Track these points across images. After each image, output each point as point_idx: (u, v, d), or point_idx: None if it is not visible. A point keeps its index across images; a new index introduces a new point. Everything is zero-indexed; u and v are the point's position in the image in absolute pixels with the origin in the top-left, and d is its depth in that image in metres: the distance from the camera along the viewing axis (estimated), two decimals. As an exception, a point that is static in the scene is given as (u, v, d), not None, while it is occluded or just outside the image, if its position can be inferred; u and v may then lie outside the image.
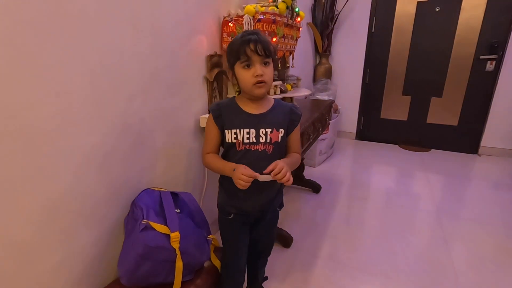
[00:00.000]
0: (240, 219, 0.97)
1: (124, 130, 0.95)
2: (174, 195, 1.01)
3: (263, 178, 0.80)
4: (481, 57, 2.59)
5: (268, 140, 0.86)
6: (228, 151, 0.90)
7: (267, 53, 0.81)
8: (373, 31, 2.97)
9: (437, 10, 2.66)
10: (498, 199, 2.01)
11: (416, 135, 3.08)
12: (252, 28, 1.29)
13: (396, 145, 3.17)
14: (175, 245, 0.84)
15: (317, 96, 2.82)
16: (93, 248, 0.90)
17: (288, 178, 0.79)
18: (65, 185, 0.79)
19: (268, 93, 1.14)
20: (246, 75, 0.82)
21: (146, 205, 0.90)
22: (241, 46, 0.80)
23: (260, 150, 0.86)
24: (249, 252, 1.07)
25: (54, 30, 0.71)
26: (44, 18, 0.68)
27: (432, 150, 3.02)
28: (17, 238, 0.70)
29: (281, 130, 0.88)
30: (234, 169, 0.82)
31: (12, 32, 0.63)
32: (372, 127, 3.28)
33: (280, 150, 0.91)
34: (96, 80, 0.83)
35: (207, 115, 1.32)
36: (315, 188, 2.13)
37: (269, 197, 0.96)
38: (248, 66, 0.82)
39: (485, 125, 2.76)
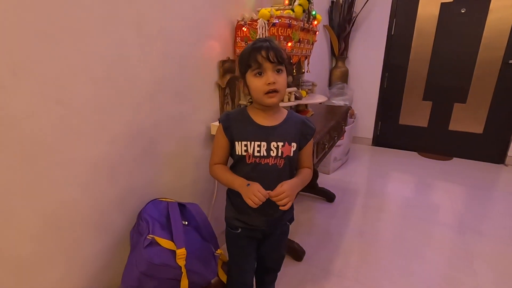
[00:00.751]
0: (248, 233, 0.93)
1: (131, 139, 0.92)
2: (182, 206, 0.98)
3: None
4: (510, 61, 2.43)
5: (280, 154, 0.82)
6: (237, 164, 0.87)
7: (279, 60, 0.77)
8: (392, 33, 2.85)
9: (463, 11, 2.52)
10: (528, 215, 1.87)
11: (437, 143, 2.94)
12: (266, 33, 1.24)
13: (415, 153, 3.03)
14: (181, 262, 0.80)
15: (333, 101, 2.73)
16: (96, 261, 0.87)
17: (284, 203, 0.77)
18: (68, 197, 0.76)
19: (283, 100, 1.09)
20: (257, 83, 0.78)
21: (152, 218, 0.87)
22: (252, 54, 0.77)
23: (270, 164, 0.82)
24: (257, 267, 1.03)
25: (55, 33, 0.68)
26: (46, 22, 0.66)
27: (454, 158, 2.87)
28: (16, 252, 0.68)
29: (293, 144, 0.84)
30: (248, 185, 0.79)
31: (11, 35, 0.61)
32: (390, 133, 3.16)
33: (291, 164, 0.87)
34: (101, 87, 0.81)
35: (216, 123, 1.28)
36: (328, 197, 2.05)
37: (279, 213, 0.90)
38: (260, 74, 0.78)
39: (513, 134, 2.59)
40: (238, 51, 1.35)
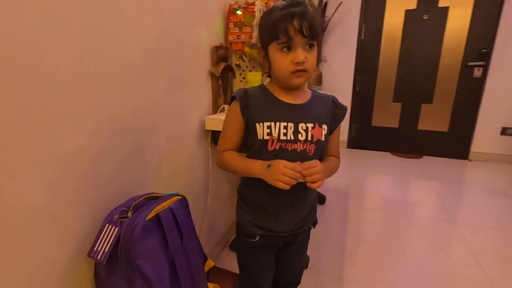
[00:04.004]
0: (267, 242, 0.76)
1: (118, 130, 0.72)
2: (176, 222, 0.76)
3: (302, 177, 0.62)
4: (469, 63, 2.64)
5: (310, 138, 0.67)
6: (255, 153, 0.69)
7: (313, 34, 0.61)
8: (362, 38, 2.95)
9: (425, 18, 2.70)
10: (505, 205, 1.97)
11: (407, 142, 3.07)
12: (265, 17, 1.12)
13: (389, 153, 3.13)
14: None
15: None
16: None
17: (316, 179, 0.61)
18: (30, 201, 0.54)
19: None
20: (284, 61, 0.63)
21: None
22: (282, 22, 0.60)
23: (298, 150, 0.67)
24: (275, 282, 0.86)
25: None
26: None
27: (424, 157, 3.01)
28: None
29: (324, 127, 0.70)
30: (269, 165, 0.63)
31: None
32: (364, 135, 3.23)
33: (322, 152, 0.73)
34: (86, 64, 0.61)
35: (213, 116, 1.12)
36: (319, 199, 1.96)
37: (304, 212, 0.76)
38: (288, 48, 0.63)
39: (474, 131, 2.79)
40: (231, 37, 1.21)
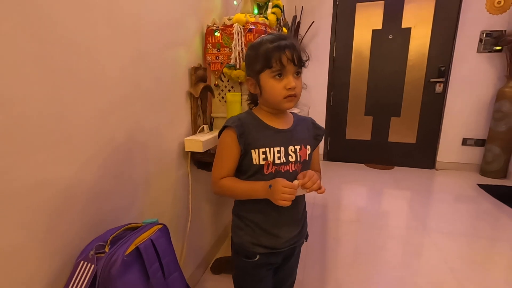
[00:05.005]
0: (268, 260, 0.78)
1: (92, 158, 0.69)
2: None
3: (300, 191, 0.68)
4: (431, 80, 2.85)
5: (298, 159, 0.74)
6: (250, 176, 0.72)
7: (301, 63, 0.70)
8: (334, 55, 3.09)
9: (390, 37, 2.89)
10: (476, 211, 2.11)
11: (380, 154, 3.20)
12: (243, 39, 1.15)
13: (363, 164, 3.24)
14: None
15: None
16: None
17: (319, 185, 0.68)
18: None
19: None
20: (277, 87, 0.69)
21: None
22: (275, 52, 0.67)
23: (291, 171, 0.73)
24: None
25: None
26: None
27: (396, 167, 3.15)
28: None
29: (308, 147, 0.77)
30: (270, 186, 0.66)
31: None
32: (339, 148, 3.33)
33: (307, 169, 0.77)
34: (58, 87, 0.58)
35: (192, 137, 1.10)
36: (299, 214, 1.97)
37: (300, 225, 0.80)
38: (280, 75, 0.68)
39: (438, 142, 2.98)
40: (209, 58, 1.22)
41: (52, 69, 0.57)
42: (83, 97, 0.65)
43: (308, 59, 0.71)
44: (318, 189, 0.68)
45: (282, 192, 0.64)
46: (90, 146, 0.68)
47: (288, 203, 0.65)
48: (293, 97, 0.70)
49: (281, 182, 0.65)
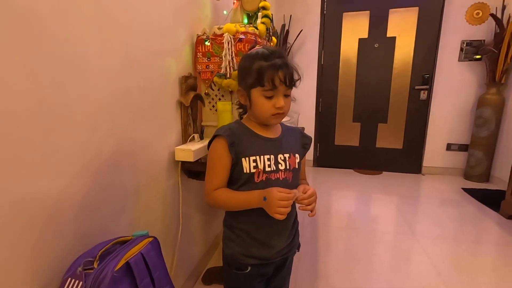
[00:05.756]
0: (260, 271, 0.78)
1: (80, 170, 0.67)
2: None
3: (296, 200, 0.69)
4: (416, 87, 2.93)
5: (288, 167, 0.74)
6: (242, 185, 0.72)
7: (292, 84, 0.70)
8: (322, 63, 3.15)
9: (376, 46, 2.97)
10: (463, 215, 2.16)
11: (368, 159, 3.26)
12: (233, 48, 1.16)
13: (352, 170, 3.29)
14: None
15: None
16: None
17: (314, 208, 0.70)
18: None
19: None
20: (266, 105, 0.70)
21: None
22: (268, 72, 0.67)
23: (281, 178, 0.73)
24: None
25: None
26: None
27: (384, 172, 3.21)
28: None
29: (297, 156, 0.78)
30: (264, 198, 0.66)
31: None
32: (328, 154, 3.37)
33: (297, 178, 0.79)
34: (43, 98, 0.57)
35: (182, 146, 1.09)
36: (290, 221, 1.98)
37: (291, 236, 0.80)
38: (271, 97, 0.69)
39: (424, 147, 3.06)
40: (200, 67, 1.22)
41: (37, 79, 0.55)
42: (70, 108, 0.63)
43: (299, 79, 0.71)
44: (310, 211, 0.69)
45: (278, 206, 0.64)
46: (78, 158, 0.66)
47: (284, 217, 0.65)
48: (280, 114, 0.71)
49: (276, 195, 0.65)
